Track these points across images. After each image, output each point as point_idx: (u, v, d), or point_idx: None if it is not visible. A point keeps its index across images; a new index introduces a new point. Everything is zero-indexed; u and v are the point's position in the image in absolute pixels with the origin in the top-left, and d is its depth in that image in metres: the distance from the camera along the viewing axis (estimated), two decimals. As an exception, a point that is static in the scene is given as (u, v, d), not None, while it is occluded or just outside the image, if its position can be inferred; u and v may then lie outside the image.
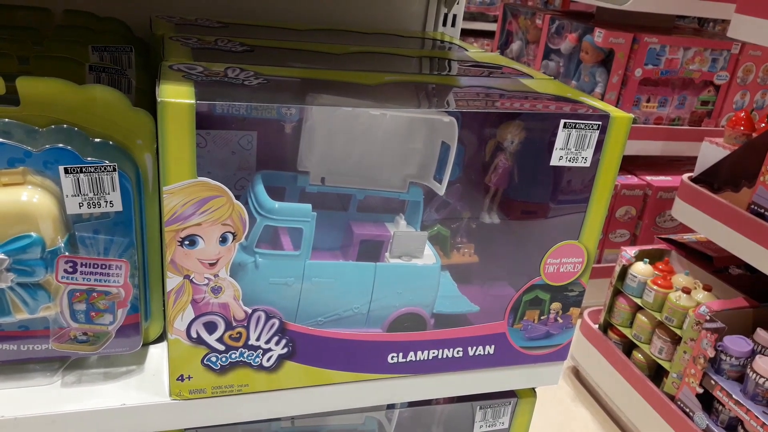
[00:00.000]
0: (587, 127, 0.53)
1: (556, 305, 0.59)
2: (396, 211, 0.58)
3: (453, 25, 0.86)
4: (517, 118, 0.53)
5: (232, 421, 0.53)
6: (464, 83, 0.61)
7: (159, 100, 0.43)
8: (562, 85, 0.63)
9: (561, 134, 0.53)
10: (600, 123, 0.53)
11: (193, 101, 0.43)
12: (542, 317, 0.59)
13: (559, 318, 0.59)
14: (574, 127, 0.53)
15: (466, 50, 0.75)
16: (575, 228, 0.57)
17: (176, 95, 0.44)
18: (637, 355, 1.50)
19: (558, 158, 0.54)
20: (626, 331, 1.53)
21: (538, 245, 0.57)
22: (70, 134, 0.47)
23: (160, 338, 0.57)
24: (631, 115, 0.55)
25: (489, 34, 3.24)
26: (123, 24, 0.70)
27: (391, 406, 0.67)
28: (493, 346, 0.58)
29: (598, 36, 1.87)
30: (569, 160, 0.54)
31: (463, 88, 0.60)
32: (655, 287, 1.44)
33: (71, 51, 0.56)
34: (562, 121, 0.52)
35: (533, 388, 0.65)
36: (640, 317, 1.49)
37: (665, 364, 1.41)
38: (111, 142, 0.48)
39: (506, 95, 0.58)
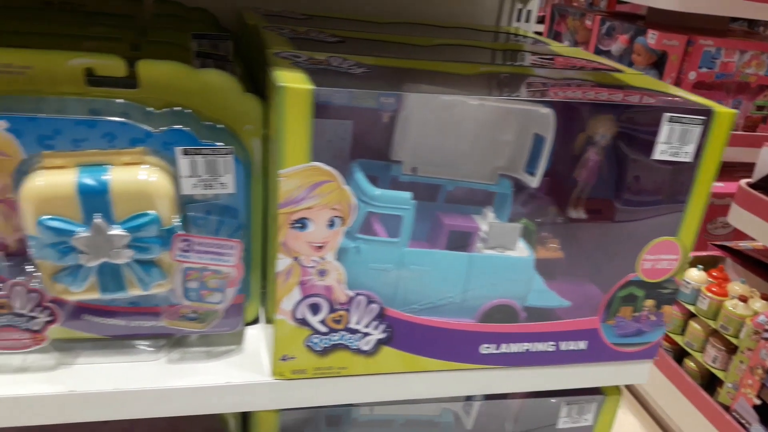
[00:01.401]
0: (691, 122, 0.53)
1: (649, 302, 0.58)
2: (482, 203, 0.58)
3: (527, 20, 0.86)
4: (615, 110, 0.53)
5: (330, 403, 0.53)
6: (557, 75, 0.61)
7: (279, 84, 0.44)
8: (654, 79, 0.63)
9: (665, 128, 0.52)
10: (704, 118, 0.53)
11: (312, 86, 0.44)
12: (635, 314, 0.58)
13: (651, 315, 0.59)
14: (679, 122, 0.52)
15: (548, 44, 0.75)
16: (671, 224, 0.56)
17: (294, 80, 0.45)
18: (690, 363, 1.47)
19: (660, 152, 0.53)
20: (678, 339, 1.50)
21: (630, 241, 0.57)
22: (183, 117, 0.48)
23: (254, 320, 0.58)
24: (735, 111, 0.54)
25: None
26: (210, 14, 0.72)
27: (469, 398, 0.67)
28: (585, 342, 0.58)
29: (652, 37, 1.84)
30: (671, 155, 0.53)
31: (557, 80, 0.60)
32: (709, 294, 1.42)
33: (175, 38, 0.57)
34: (668, 115, 0.52)
35: (618, 386, 0.64)
36: (693, 324, 1.46)
37: (720, 374, 1.39)
38: (221, 126, 0.50)
39: (602, 88, 0.58)
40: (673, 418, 1.48)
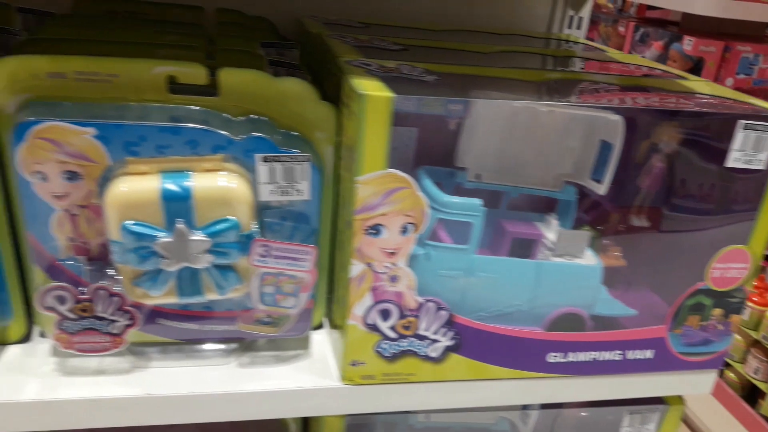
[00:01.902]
0: (766, 129, 0.52)
1: (717, 311, 0.57)
2: (543, 209, 0.58)
3: (578, 27, 0.86)
4: (686, 118, 0.53)
5: (398, 409, 0.54)
6: (622, 82, 0.61)
7: (361, 93, 0.44)
8: (719, 86, 0.62)
9: (739, 135, 0.52)
10: (779, 125, 0.52)
11: (392, 94, 0.45)
12: (702, 323, 0.58)
13: (719, 324, 0.58)
14: (754, 129, 0.52)
15: (605, 51, 0.75)
16: (742, 233, 0.56)
17: (374, 89, 0.45)
18: (730, 375, 1.45)
19: (733, 160, 0.53)
20: (718, 348, 1.48)
21: (698, 250, 0.56)
22: (259, 124, 0.49)
23: (319, 325, 0.58)
24: (809, 118, 0.53)
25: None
26: (269, 22, 0.73)
27: (525, 407, 0.67)
28: (652, 351, 0.57)
29: (688, 44, 1.82)
30: (745, 162, 0.53)
31: (623, 87, 0.59)
32: (750, 304, 1.39)
33: (242, 46, 0.58)
34: (743, 122, 0.51)
35: (681, 396, 0.63)
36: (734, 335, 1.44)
37: (761, 385, 1.36)
38: (295, 133, 0.50)
39: (670, 94, 0.57)
40: (713, 431, 1.46)
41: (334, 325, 0.57)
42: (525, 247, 0.57)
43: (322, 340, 0.57)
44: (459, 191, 0.53)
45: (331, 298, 0.57)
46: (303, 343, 0.56)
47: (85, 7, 0.67)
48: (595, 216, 0.58)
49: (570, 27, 0.86)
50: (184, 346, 0.54)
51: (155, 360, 0.53)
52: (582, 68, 0.68)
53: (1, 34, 0.55)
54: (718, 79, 1.82)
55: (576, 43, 0.81)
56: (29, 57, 0.44)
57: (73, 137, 0.44)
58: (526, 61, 0.66)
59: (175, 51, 0.51)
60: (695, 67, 1.86)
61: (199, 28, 0.62)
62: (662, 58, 1.91)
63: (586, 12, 0.85)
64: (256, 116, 0.49)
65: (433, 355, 0.53)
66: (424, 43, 0.66)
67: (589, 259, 0.56)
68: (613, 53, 0.73)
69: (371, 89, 0.45)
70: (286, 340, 0.55)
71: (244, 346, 0.55)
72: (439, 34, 0.74)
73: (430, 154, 0.52)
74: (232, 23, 0.67)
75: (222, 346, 0.54)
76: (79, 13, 0.67)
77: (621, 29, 2.10)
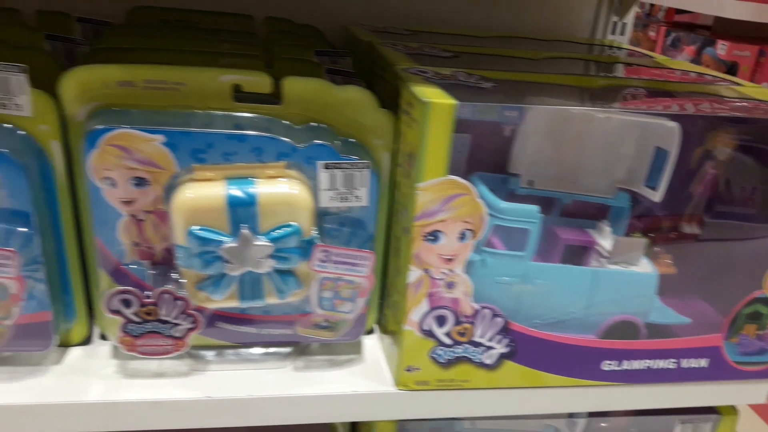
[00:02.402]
0: (828, 136, 0.51)
1: (775, 320, 0.57)
2: (593, 216, 0.58)
3: (622, 33, 0.85)
4: (745, 124, 0.52)
5: (451, 416, 0.54)
6: (677, 89, 0.60)
7: (425, 100, 0.45)
8: (773, 93, 0.61)
9: (800, 142, 0.51)
10: (843, 131, 0.51)
11: (455, 102, 0.45)
12: (759, 332, 0.57)
13: (776, 333, 0.57)
14: (816, 136, 0.51)
15: (652, 57, 0.74)
16: (801, 241, 0.55)
17: (437, 96, 0.45)
18: None
19: (793, 167, 0.52)
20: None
21: (753, 258, 0.56)
22: (319, 132, 0.50)
23: (370, 330, 0.59)
24: None
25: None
26: (317, 29, 0.74)
27: (572, 415, 0.66)
28: (707, 360, 0.57)
29: (722, 48, 1.80)
30: (807, 170, 0.52)
31: (678, 93, 0.59)
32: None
33: (296, 54, 0.59)
34: (805, 130, 0.51)
35: (734, 406, 0.63)
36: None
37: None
38: (353, 140, 0.51)
39: (727, 100, 0.57)
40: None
41: (385, 331, 0.57)
42: (577, 254, 0.57)
43: (373, 345, 0.58)
44: (511, 197, 0.54)
45: (381, 303, 0.58)
46: (355, 348, 0.56)
47: (139, 16, 0.69)
48: (647, 223, 0.58)
49: (613, 33, 0.85)
50: (240, 349, 0.54)
51: (212, 363, 0.54)
52: (632, 74, 0.68)
53: (66, 42, 0.57)
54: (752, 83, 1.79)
55: (620, 48, 0.80)
56: (101, 66, 0.45)
57: (142, 144, 0.45)
58: (575, 68, 0.66)
59: (237, 60, 0.52)
60: (728, 72, 1.83)
61: (252, 36, 0.63)
62: (694, 63, 1.89)
63: (629, 18, 0.84)
64: (315, 124, 0.50)
65: (488, 362, 0.53)
66: (472, 50, 0.67)
67: (645, 266, 0.56)
68: (660, 59, 0.73)
69: (434, 97, 0.45)
70: (338, 345, 0.56)
71: (298, 350, 0.55)
72: (486, 41, 0.74)
73: (482, 160, 0.52)
74: (283, 31, 0.68)
75: (278, 350, 0.55)
76: (134, 22, 0.68)
77: (651, 34, 2.08)
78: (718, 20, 2.05)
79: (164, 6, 0.71)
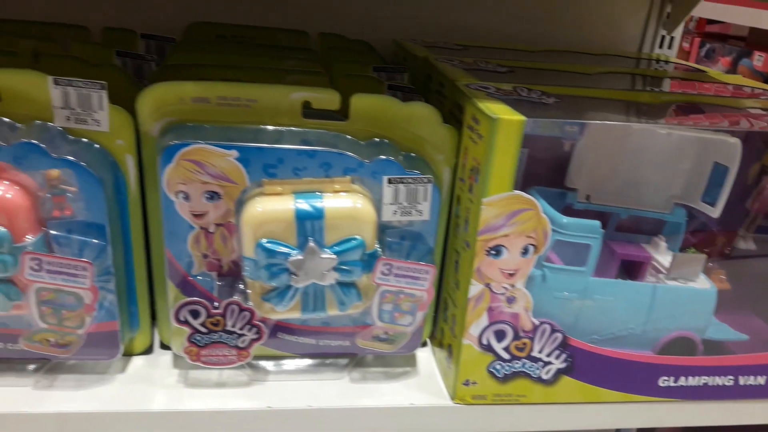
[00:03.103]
0: None
1: (836, 339, 0.56)
2: (648, 231, 0.58)
3: (670, 47, 0.85)
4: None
5: (507, 430, 0.54)
6: (737, 105, 0.60)
7: (494, 117, 0.45)
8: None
9: None
10: None
11: (523, 118, 0.45)
12: (820, 351, 0.56)
13: (837, 353, 0.56)
14: None
15: (705, 71, 0.74)
16: None
17: (504, 112, 0.46)
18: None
19: None
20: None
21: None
22: (384, 147, 0.50)
23: (423, 343, 0.59)
24: None
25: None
26: (370, 45, 0.75)
27: (619, 430, 0.66)
28: (765, 377, 0.56)
29: (758, 59, 1.78)
30: None
31: (737, 109, 0.59)
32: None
33: (354, 70, 0.60)
34: None
35: (792, 425, 0.62)
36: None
37: None
38: (415, 155, 0.51)
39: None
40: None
41: (439, 344, 0.58)
42: (633, 270, 0.57)
43: (427, 358, 0.58)
44: (568, 212, 0.54)
45: (435, 316, 0.58)
46: (410, 361, 0.57)
47: (197, 32, 0.71)
48: (700, 238, 0.58)
49: (661, 47, 0.85)
50: (299, 360, 0.55)
51: (271, 373, 0.54)
52: (687, 89, 0.67)
53: (134, 59, 0.59)
54: (790, 95, 1.76)
55: (668, 62, 0.80)
56: (177, 83, 0.46)
57: (216, 159, 0.46)
58: (631, 83, 0.66)
59: (302, 77, 0.53)
60: (766, 83, 1.80)
61: (311, 53, 0.64)
62: (729, 74, 1.87)
63: (678, 32, 0.84)
64: (378, 139, 0.51)
65: (546, 377, 0.53)
66: (526, 65, 0.67)
67: (703, 282, 0.55)
68: (713, 73, 0.73)
69: (502, 113, 0.46)
70: (393, 357, 0.57)
71: (354, 361, 0.56)
72: (537, 55, 0.74)
73: (539, 174, 0.53)
74: (339, 47, 0.69)
75: (335, 361, 0.55)
76: (192, 38, 0.70)
77: (685, 45, 2.06)
78: (753, 31, 2.03)
79: (219, 21, 0.73)
